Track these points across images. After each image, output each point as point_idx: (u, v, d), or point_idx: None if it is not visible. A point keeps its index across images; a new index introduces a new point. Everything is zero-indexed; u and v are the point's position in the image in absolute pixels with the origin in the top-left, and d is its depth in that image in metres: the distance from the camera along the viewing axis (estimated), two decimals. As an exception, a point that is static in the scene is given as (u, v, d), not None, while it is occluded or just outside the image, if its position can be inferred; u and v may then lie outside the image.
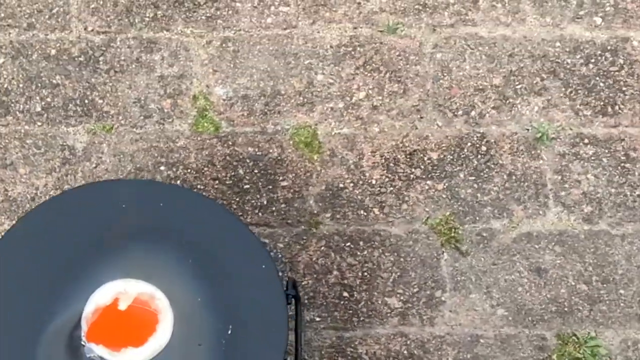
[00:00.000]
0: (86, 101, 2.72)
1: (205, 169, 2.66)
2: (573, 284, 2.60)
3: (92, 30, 2.77)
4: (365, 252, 2.62)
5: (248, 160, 2.67)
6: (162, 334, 1.83)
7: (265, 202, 2.64)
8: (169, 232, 1.91)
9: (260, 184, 2.66)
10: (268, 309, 1.86)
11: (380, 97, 2.73)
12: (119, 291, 1.85)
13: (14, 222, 2.52)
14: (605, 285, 2.60)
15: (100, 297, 1.85)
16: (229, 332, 1.83)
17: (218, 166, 2.67)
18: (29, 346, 1.81)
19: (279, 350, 1.83)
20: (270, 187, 2.65)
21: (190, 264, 1.88)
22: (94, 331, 1.82)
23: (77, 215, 1.92)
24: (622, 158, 2.69)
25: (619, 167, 2.69)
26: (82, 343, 1.81)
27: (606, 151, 2.70)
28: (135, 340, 1.83)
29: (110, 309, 1.84)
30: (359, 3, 2.80)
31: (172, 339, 1.83)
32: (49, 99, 2.71)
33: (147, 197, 1.95)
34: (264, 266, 1.87)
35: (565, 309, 2.58)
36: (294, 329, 2.06)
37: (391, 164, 2.68)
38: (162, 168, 2.65)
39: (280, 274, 2.48)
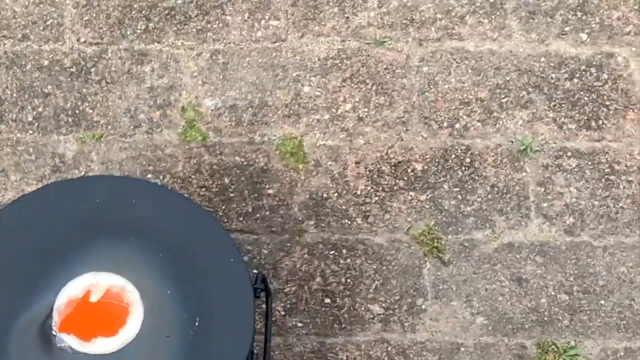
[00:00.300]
0: (77, 111, 2.78)
1: (192, 177, 2.72)
2: (553, 293, 2.63)
3: (85, 41, 2.85)
4: (349, 260, 2.66)
5: (234, 169, 2.72)
6: (132, 326, 1.88)
7: (250, 210, 2.69)
8: (141, 227, 1.96)
9: (246, 192, 2.71)
10: (235, 301, 1.90)
11: (366, 109, 2.78)
12: (91, 283, 1.90)
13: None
14: (585, 295, 2.62)
15: (73, 289, 1.90)
16: (197, 324, 1.87)
17: (205, 174, 2.72)
18: (1, 335, 1.86)
19: (245, 341, 1.87)
20: (256, 195, 2.70)
21: (161, 257, 1.92)
22: (66, 322, 1.87)
23: (52, 209, 1.98)
24: (606, 171, 2.73)
25: (602, 180, 2.72)
26: (54, 333, 1.86)
27: (589, 164, 2.73)
28: (105, 331, 1.87)
29: (82, 301, 1.88)
30: (348, 17, 2.86)
31: (141, 330, 1.87)
32: (40, 109, 2.79)
33: (120, 193, 2.00)
34: (232, 260, 1.92)
35: (546, 319, 2.61)
36: (264, 322, 2.10)
37: (375, 175, 2.73)
38: (149, 176, 2.71)
39: (253, 270, 2.52)
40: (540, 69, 2.82)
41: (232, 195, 2.70)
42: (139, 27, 2.86)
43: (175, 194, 2.25)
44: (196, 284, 1.91)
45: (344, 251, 2.66)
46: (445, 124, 2.77)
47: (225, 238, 1.95)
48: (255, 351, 1.94)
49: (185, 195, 2.61)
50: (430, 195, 2.71)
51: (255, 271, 2.33)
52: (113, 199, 1.98)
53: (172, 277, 1.91)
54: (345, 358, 2.58)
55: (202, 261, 1.93)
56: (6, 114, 2.78)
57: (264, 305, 2.25)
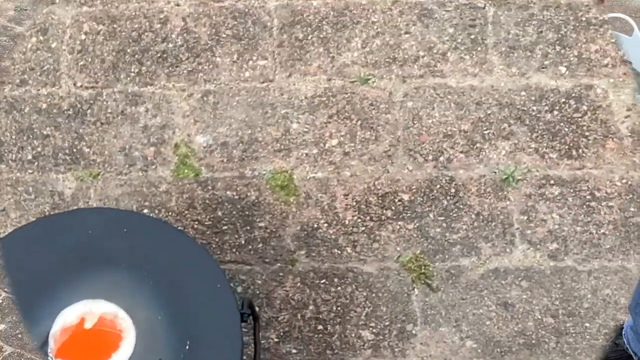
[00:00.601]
0: (74, 150, 2.88)
1: (186, 211, 2.80)
2: (540, 317, 2.69)
3: (81, 85, 2.95)
4: (339, 288, 2.73)
5: (227, 203, 2.81)
6: (125, 350, 1.95)
7: (243, 242, 2.78)
8: (133, 256, 2.04)
9: (238, 224, 2.79)
10: (223, 325, 1.97)
11: (352, 144, 2.87)
12: (85, 311, 1.98)
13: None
14: (571, 318, 2.69)
15: (68, 316, 1.97)
16: (187, 347, 1.95)
17: (198, 209, 2.81)
18: (0, 361, 1.94)
19: (233, 363, 1.94)
20: (248, 227, 2.79)
21: (152, 285, 2.00)
22: (62, 348, 1.94)
23: (48, 240, 2.06)
24: (587, 198, 2.80)
25: (584, 207, 2.79)
26: (49, 359, 1.93)
27: (571, 191, 2.80)
28: (100, 357, 1.94)
29: (77, 328, 1.96)
30: (333, 57, 2.96)
31: (134, 354, 1.94)
32: (39, 149, 2.89)
33: (112, 224, 2.08)
34: (219, 285, 1.99)
35: (533, 341, 2.67)
36: (254, 345, 2.17)
37: (363, 206, 2.81)
38: (145, 211, 2.80)
39: (240, 296, 2.60)
40: (521, 102, 2.90)
41: (225, 228, 2.79)
42: (132, 71, 2.96)
43: (164, 224, 2.33)
44: (186, 310, 1.98)
45: (335, 280, 2.74)
46: (430, 157, 2.86)
47: (213, 266, 2.03)
48: (244, 372, 2.01)
49: (179, 227, 2.69)
50: (417, 224, 2.79)
51: (242, 297, 2.40)
52: (105, 230, 2.06)
53: (162, 303, 1.99)
54: (337, 384, 2.65)
55: (191, 288, 2.01)
56: (6, 155, 2.88)
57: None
